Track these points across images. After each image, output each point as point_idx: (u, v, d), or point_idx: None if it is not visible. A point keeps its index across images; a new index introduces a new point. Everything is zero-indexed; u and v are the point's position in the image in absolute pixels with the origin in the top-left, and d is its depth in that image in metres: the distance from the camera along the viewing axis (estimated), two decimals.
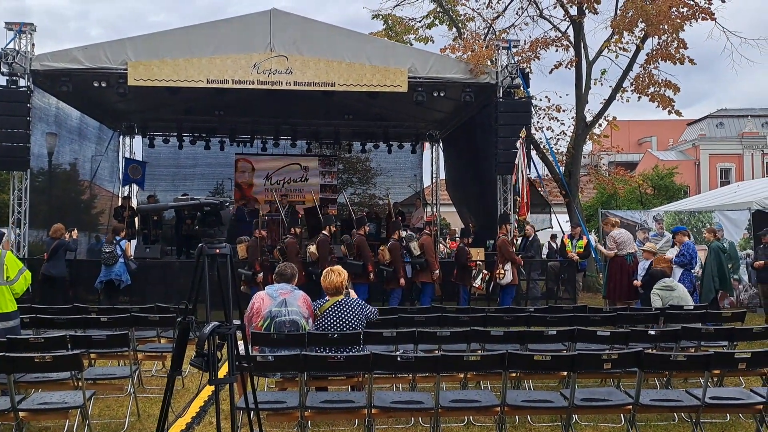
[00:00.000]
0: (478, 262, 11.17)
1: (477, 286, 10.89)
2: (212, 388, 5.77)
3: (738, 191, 16.06)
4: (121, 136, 18.20)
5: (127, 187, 17.84)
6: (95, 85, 12.00)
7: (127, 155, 18.41)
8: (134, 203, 16.50)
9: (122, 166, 17.90)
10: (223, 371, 3.35)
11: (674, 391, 5.43)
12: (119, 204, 16.11)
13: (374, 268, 10.53)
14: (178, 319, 3.28)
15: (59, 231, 10.72)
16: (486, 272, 10.95)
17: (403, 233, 11.21)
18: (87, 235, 16.02)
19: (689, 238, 10.54)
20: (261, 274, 10.27)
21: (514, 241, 11.66)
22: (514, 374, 5.61)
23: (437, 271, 10.74)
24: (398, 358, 4.91)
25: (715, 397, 4.83)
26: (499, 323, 6.87)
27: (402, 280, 10.56)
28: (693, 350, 6.27)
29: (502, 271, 10.54)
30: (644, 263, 9.99)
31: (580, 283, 13.08)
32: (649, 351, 4.99)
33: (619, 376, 5.81)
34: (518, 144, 11.71)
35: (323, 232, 10.79)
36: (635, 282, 9.95)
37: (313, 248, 10.72)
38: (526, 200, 11.74)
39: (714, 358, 4.79)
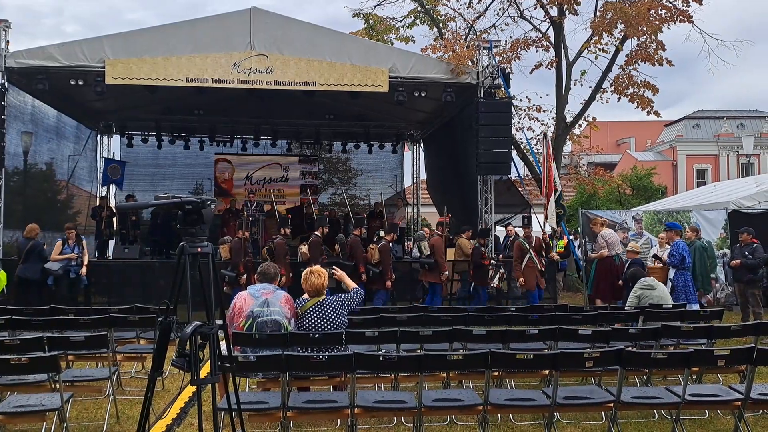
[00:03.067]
0: (492, 262, 11.13)
1: (495, 285, 10.83)
2: (193, 388, 5.69)
3: (714, 191, 16.30)
4: (99, 136, 17.96)
5: (105, 187, 17.59)
6: (72, 83, 11.81)
7: (106, 155, 18.17)
8: (112, 203, 16.27)
9: (100, 166, 17.65)
10: (203, 372, 3.30)
11: (654, 388, 5.49)
12: (97, 204, 15.89)
13: (365, 269, 10.51)
14: (159, 319, 3.22)
15: (34, 231, 10.52)
16: (503, 272, 10.89)
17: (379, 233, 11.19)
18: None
19: (680, 237, 10.62)
20: (245, 276, 10.17)
21: (543, 245, 11.31)
22: (496, 373, 5.61)
23: (446, 272, 10.70)
24: (381, 358, 4.89)
25: (695, 394, 4.88)
26: (481, 322, 6.88)
27: (389, 282, 10.55)
28: (672, 348, 6.34)
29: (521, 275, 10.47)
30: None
31: (561, 282, 13.19)
32: (631, 349, 5.03)
33: (600, 374, 5.85)
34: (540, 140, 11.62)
35: (315, 232, 10.77)
36: (619, 282, 10.07)
37: (304, 248, 10.66)
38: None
39: (694, 356, 4.85)
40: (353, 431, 4.55)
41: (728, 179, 34.65)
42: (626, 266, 9.93)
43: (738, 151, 38.59)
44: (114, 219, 15.01)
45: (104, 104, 15.26)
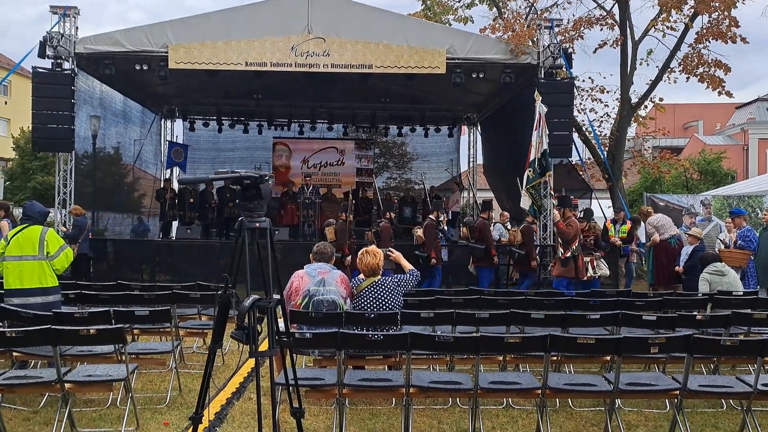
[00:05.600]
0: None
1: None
2: (251, 364, 5.80)
3: None
4: (163, 120, 18.52)
5: (169, 170, 18.16)
6: (137, 68, 12.19)
7: (169, 138, 18.74)
8: (175, 186, 16.80)
9: (164, 149, 18.23)
10: (262, 348, 3.34)
11: (724, 377, 5.26)
12: (161, 186, 16.42)
13: (495, 251, 10.53)
14: (219, 293, 3.28)
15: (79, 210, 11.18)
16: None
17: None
18: (130, 217, 16.41)
19: (746, 222, 10.12)
20: (349, 257, 10.26)
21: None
22: (555, 358, 5.48)
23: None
24: (437, 338, 4.85)
25: None
26: (539, 306, 6.72)
27: (534, 263, 10.55)
28: (742, 336, 6.05)
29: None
30: (687, 248, 9.66)
31: (623, 268, 12.74)
32: (699, 336, 4.81)
33: (664, 362, 5.64)
34: (536, 104, 10.70)
35: (430, 216, 10.87)
36: (677, 268, 9.64)
37: (420, 232, 10.76)
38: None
39: None
40: (408, 411, 4.54)
41: None
42: (689, 252, 9.49)
43: None
44: (176, 200, 15.49)
45: (167, 89, 15.70)
